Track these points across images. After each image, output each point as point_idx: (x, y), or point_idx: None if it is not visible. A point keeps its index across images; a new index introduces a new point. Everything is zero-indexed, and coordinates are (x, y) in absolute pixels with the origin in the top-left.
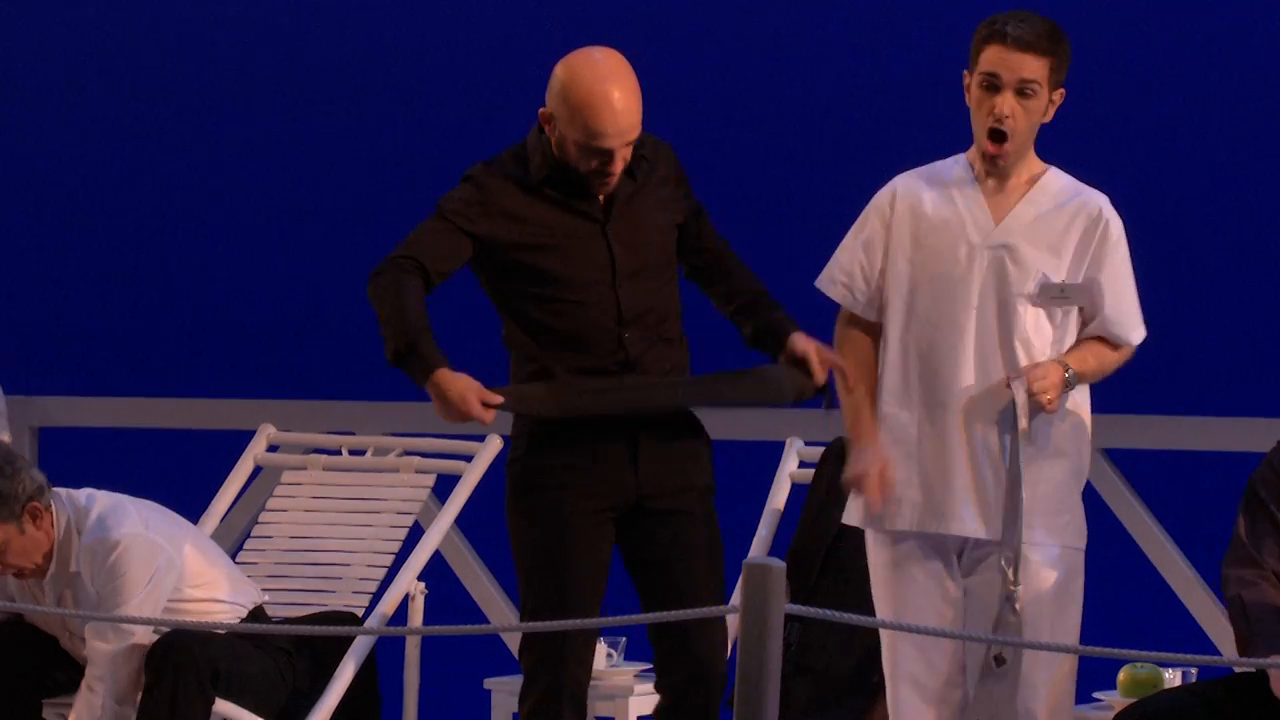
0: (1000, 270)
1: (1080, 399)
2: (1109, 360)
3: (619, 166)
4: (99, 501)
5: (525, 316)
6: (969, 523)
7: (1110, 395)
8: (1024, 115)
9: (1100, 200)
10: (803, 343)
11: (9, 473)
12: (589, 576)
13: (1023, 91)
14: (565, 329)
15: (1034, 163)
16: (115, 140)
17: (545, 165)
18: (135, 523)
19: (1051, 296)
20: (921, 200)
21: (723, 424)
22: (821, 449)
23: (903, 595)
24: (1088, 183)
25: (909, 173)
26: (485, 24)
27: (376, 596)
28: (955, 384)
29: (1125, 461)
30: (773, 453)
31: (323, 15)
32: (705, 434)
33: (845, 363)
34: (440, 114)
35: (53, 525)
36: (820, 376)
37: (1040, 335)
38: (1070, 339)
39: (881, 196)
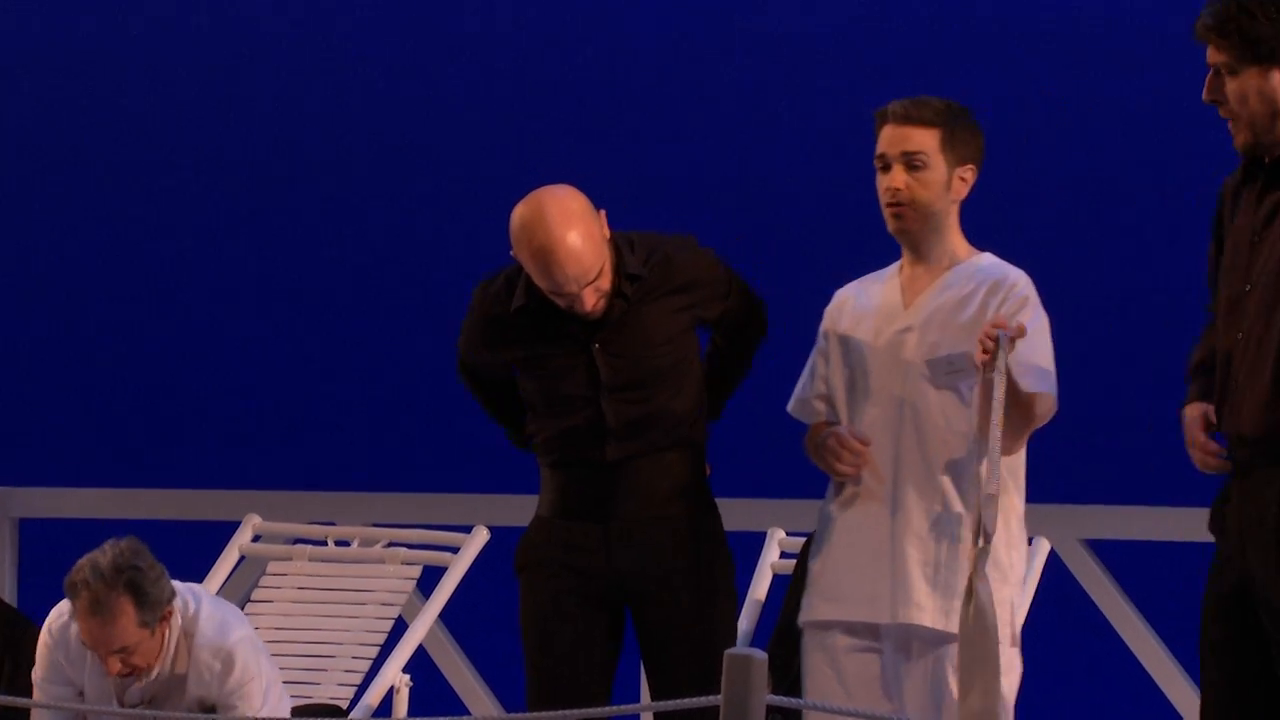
0: (902, 354)
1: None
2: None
3: (590, 299)
4: (203, 602)
5: (530, 415)
6: (905, 609)
7: (1092, 486)
8: (918, 187)
9: (1010, 271)
10: None
11: (154, 576)
12: (574, 662)
13: (911, 164)
14: (553, 435)
15: (958, 247)
16: (98, 228)
17: (525, 294)
18: (244, 625)
19: (944, 372)
20: (852, 300)
21: None
22: (803, 539)
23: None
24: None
25: (857, 279)
26: (473, 112)
27: (361, 688)
28: (879, 472)
29: (1106, 552)
30: (754, 543)
31: (312, 100)
32: (702, 519)
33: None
34: (431, 205)
35: (170, 627)
36: None
37: (946, 416)
38: (991, 415)
39: (828, 308)
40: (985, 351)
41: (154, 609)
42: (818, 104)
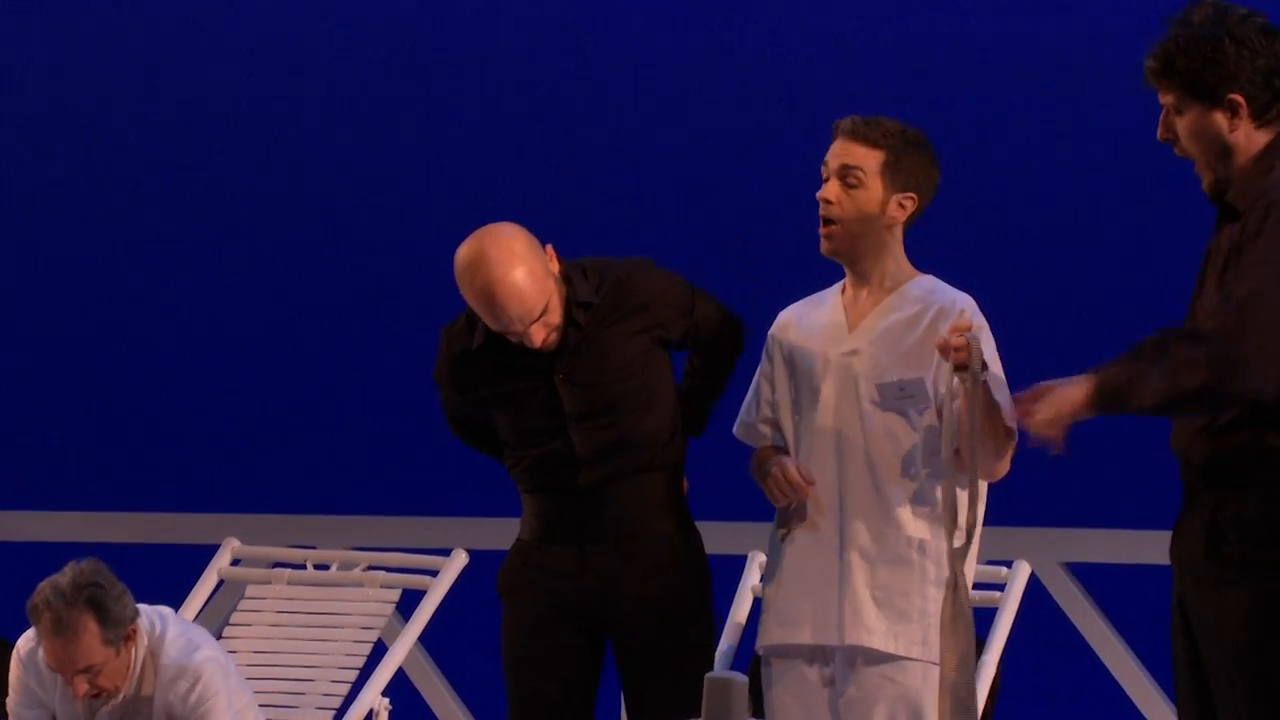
0: (849, 377)
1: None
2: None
3: (539, 335)
4: (170, 623)
5: (505, 448)
6: (855, 632)
7: (1071, 509)
8: (850, 202)
9: (956, 296)
10: None
11: (116, 594)
12: (554, 685)
13: (845, 179)
14: (527, 465)
15: (900, 270)
16: (72, 252)
17: (483, 333)
18: (211, 646)
19: (894, 397)
20: (795, 322)
21: None
22: None
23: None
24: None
25: (800, 301)
26: (456, 136)
27: (340, 712)
28: (824, 495)
29: (1087, 575)
30: (735, 566)
31: (288, 129)
32: (680, 541)
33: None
34: (411, 230)
35: (135, 647)
36: None
37: (894, 440)
38: (939, 442)
39: (771, 330)
40: (958, 350)
41: (117, 626)
42: (797, 128)
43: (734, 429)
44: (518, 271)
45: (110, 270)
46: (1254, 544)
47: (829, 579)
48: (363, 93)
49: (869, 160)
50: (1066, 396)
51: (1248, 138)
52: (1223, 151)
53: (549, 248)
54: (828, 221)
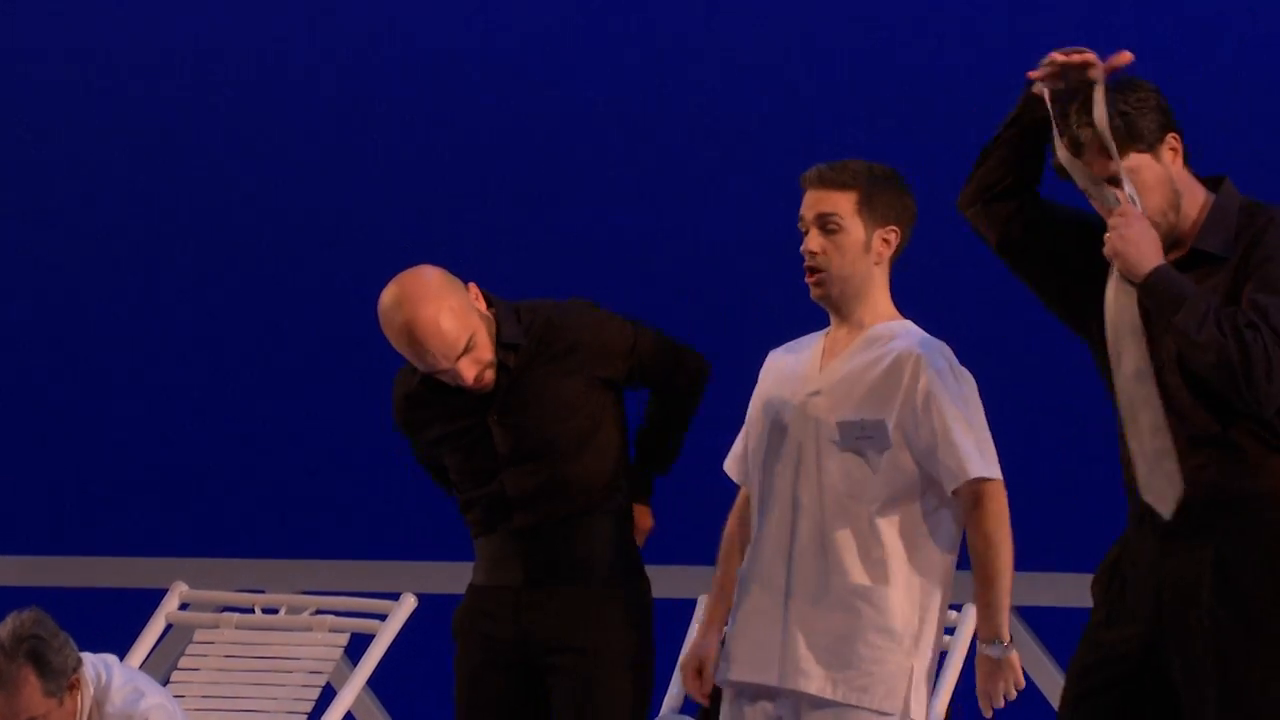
0: (810, 418)
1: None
2: (999, 552)
3: (469, 371)
4: (115, 671)
5: (455, 488)
6: (792, 675)
7: (1019, 551)
8: (834, 250)
9: (916, 343)
10: (642, 519)
11: (57, 645)
12: None
13: (825, 227)
14: (470, 506)
15: (880, 311)
16: (17, 293)
17: (423, 377)
18: (158, 693)
19: (854, 436)
20: (779, 362)
21: None
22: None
23: None
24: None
25: (791, 341)
26: (408, 178)
27: None
28: (778, 537)
29: (1035, 618)
30: (684, 610)
31: (242, 167)
32: (618, 586)
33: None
34: (362, 273)
35: (80, 696)
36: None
37: (850, 481)
38: (899, 485)
39: (761, 369)
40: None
41: (58, 678)
42: (758, 168)
43: (725, 463)
44: (435, 306)
45: (55, 314)
46: (1264, 584)
47: (774, 621)
48: (312, 134)
49: (843, 203)
50: (1145, 251)
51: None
52: (1169, 204)
53: (472, 286)
54: (814, 270)
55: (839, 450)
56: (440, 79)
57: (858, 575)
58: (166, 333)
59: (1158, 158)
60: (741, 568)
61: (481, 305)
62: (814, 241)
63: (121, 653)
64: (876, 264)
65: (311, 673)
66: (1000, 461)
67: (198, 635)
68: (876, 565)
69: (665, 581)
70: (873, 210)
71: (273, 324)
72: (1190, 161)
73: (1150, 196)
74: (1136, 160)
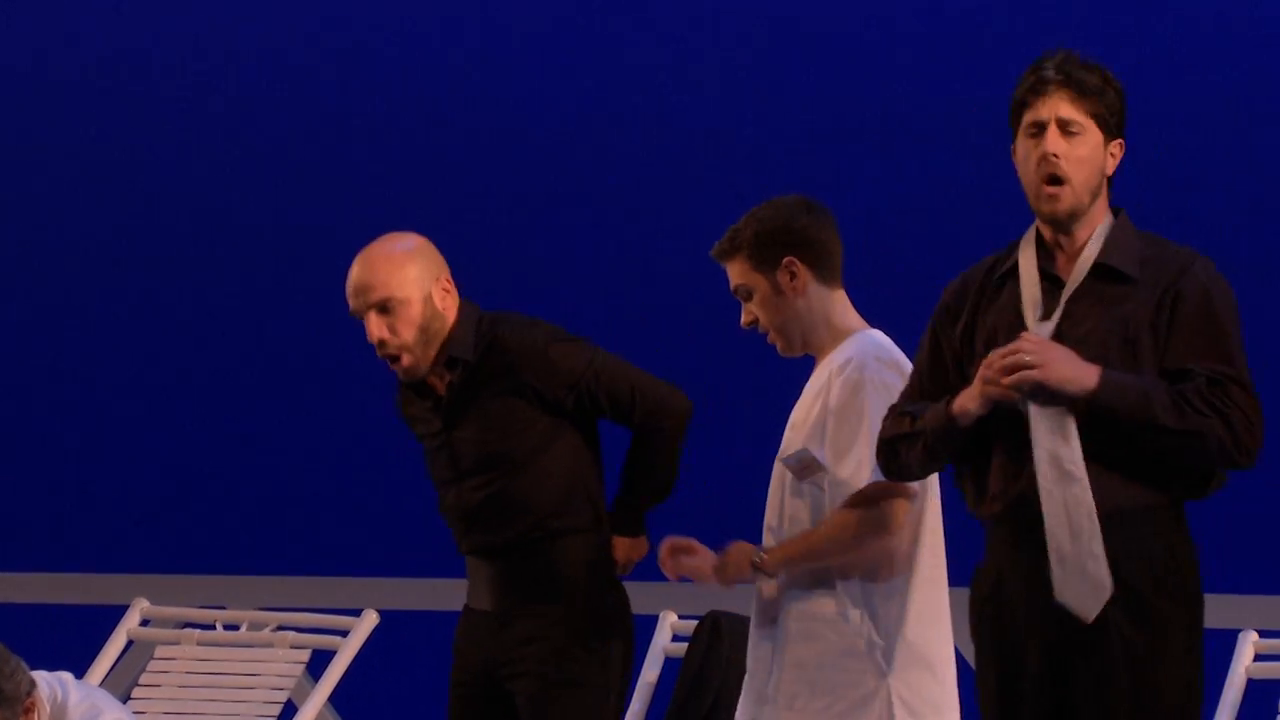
0: (782, 454)
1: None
2: (827, 531)
3: (376, 327)
4: (71, 690)
5: None
6: (773, 711)
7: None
8: (761, 312)
9: (851, 354)
10: (619, 550)
11: (8, 671)
12: None
13: (745, 296)
14: (443, 517)
15: (836, 332)
16: None
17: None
18: (116, 710)
19: (803, 466)
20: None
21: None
22: (695, 622)
23: None
24: None
25: None
26: (369, 194)
27: None
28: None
29: None
30: (646, 626)
31: (200, 183)
32: (579, 608)
33: None
34: (324, 290)
35: (38, 718)
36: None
37: (814, 511)
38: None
39: None
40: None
41: (12, 704)
42: (715, 192)
43: None
44: (387, 247)
45: (16, 330)
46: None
47: (761, 657)
48: (283, 146)
49: (740, 269)
50: (1079, 368)
51: (1107, 185)
52: (1095, 188)
53: (446, 280)
54: (766, 335)
55: (799, 483)
56: (394, 96)
57: (819, 604)
58: (128, 350)
59: (1105, 142)
60: None
61: (445, 302)
62: (745, 315)
63: (82, 669)
64: (799, 297)
65: (273, 689)
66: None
67: (159, 651)
68: (833, 588)
69: (631, 597)
70: (762, 259)
71: (234, 342)
72: (1119, 177)
73: (1084, 167)
74: (1090, 125)
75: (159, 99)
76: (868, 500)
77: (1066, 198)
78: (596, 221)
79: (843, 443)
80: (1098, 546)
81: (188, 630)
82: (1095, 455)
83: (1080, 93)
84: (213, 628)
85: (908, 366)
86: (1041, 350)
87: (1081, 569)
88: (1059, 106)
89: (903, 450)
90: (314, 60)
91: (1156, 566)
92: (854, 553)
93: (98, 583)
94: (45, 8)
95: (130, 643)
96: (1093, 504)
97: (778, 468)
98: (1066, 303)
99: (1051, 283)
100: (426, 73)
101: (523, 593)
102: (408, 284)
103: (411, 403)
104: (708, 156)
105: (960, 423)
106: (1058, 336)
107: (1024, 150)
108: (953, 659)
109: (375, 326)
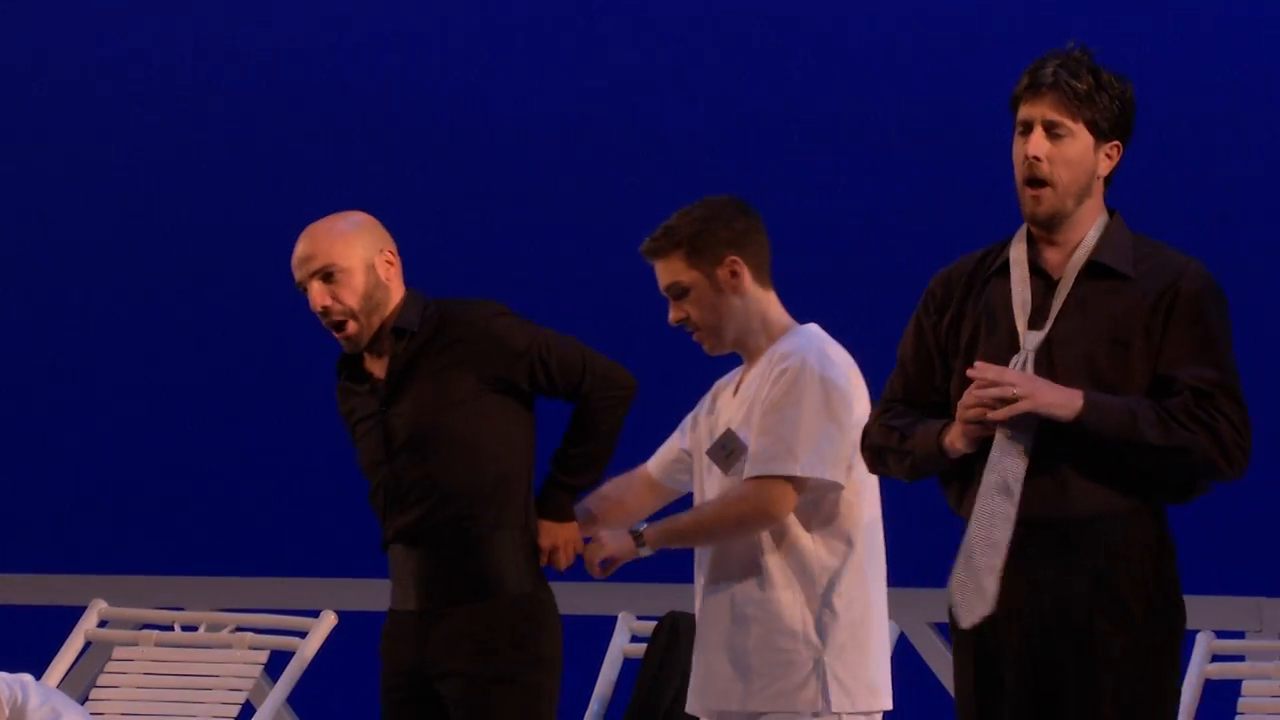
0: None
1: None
2: (721, 509)
3: (320, 295)
4: (31, 692)
5: None
6: (713, 697)
7: (940, 569)
8: (694, 309)
9: (791, 348)
10: (546, 536)
11: None
12: None
13: (676, 295)
14: (373, 509)
15: (771, 329)
16: None
17: (342, 362)
18: (76, 712)
19: (722, 457)
20: (715, 390)
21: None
22: (653, 623)
23: None
24: None
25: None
26: (329, 197)
27: None
28: (701, 561)
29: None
30: (604, 627)
31: (161, 186)
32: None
33: None
34: (281, 292)
35: None
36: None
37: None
38: None
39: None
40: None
41: None
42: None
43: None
44: (332, 221)
45: None
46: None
47: (700, 647)
48: (283, 149)
49: (675, 266)
50: (1063, 394)
51: (1100, 186)
52: (1082, 191)
53: (389, 253)
54: (693, 333)
55: (723, 474)
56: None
57: (746, 587)
58: (83, 354)
59: (1096, 148)
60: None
61: (388, 274)
62: (674, 311)
63: (40, 670)
64: (737, 295)
65: (231, 690)
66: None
67: (117, 653)
68: (759, 572)
69: (582, 598)
70: (703, 256)
71: (190, 346)
72: (1114, 181)
73: (1069, 169)
74: (1078, 129)
75: (159, 100)
76: (759, 486)
77: (1047, 199)
78: (572, 223)
79: (767, 425)
80: (1000, 564)
81: (146, 631)
82: (1077, 462)
83: (1069, 97)
84: (171, 629)
85: (846, 361)
86: (1025, 382)
87: (978, 579)
88: (1047, 109)
89: (891, 462)
90: (307, 63)
91: (1135, 569)
92: (737, 536)
93: (55, 584)
94: (32, 12)
95: (88, 644)
96: (1013, 522)
97: (702, 462)
98: (1057, 304)
99: (1043, 280)
100: (417, 75)
101: (449, 589)
102: (350, 253)
103: (350, 394)
104: (676, 156)
105: (949, 456)
106: (1048, 338)
107: (1015, 148)
108: (887, 644)
109: (318, 294)
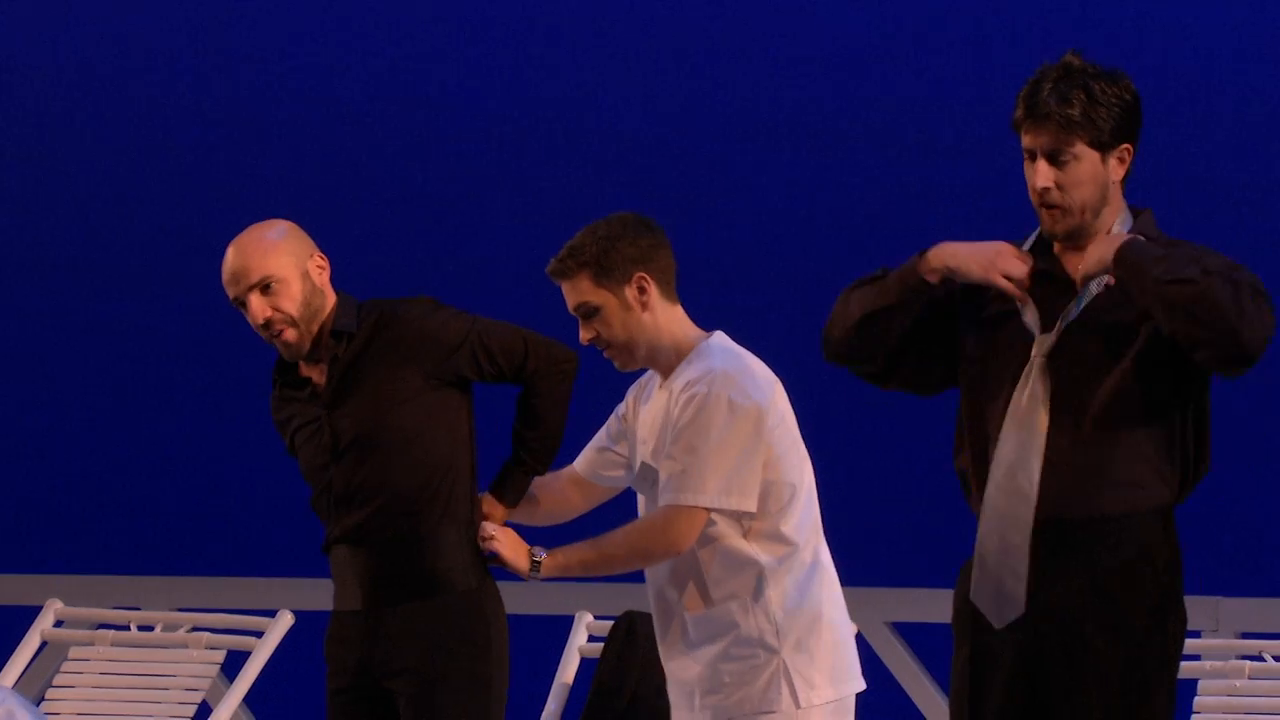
0: (637, 465)
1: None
2: (625, 540)
3: (260, 309)
4: None
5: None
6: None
7: (897, 568)
8: (604, 328)
9: (698, 372)
10: (486, 506)
11: None
12: None
13: (584, 315)
14: (317, 513)
15: (681, 345)
16: None
17: (278, 367)
18: (30, 713)
19: (649, 484)
20: (641, 394)
21: (511, 598)
22: (610, 623)
23: None
24: None
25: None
26: (296, 203)
27: None
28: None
29: (912, 634)
30: (562, 626)
31: (131, 190)
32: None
33: None
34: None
35: None
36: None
37: None
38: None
39: (630, 389)
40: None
41: None
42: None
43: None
44: (260, 232)
45: None
46: (1140, 595)
47: (671, 671)
48: (220, 150)
49: (582, 286)
50: (1101, 249)
51: (1117, 190)
52: (1098, 203)
53: (320, 257)
54: (605, 351)
55: (643, 495)
56: (336, 108)
57: (692, 607)
58: (37, 353)
59: (1104, 159)
60: None
61: (321, 279)
62: (584, 331)
63: None
64: (646, 312)
65: (188, 690)
66: (873, 475)
67: (73, 653)
68: (699, 590)
69: (542, 597)
70: (610, 275)
71: (143, 344)
72: (1131, 180)
73: (1080, 190)
74: (1081, 150)
75: (128, 100)
76: (666, 516)
77: (1064, 220)
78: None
79: (674, 454)
80: (1021, 567)
81: (102, 631)
82: (1078, 460)
83: (1064, 125)
84: (127, 628)
85: (757, 369)
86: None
87: (999, 582)
88: (1047, 139)
89: (854, 299)
90: (274, 67)
91: (1130, 572)
92: (642, 566)
93: (11, 583)
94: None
95: (44, 644)
96: (1031, 524)
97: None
98: (1074, 308)
99: (1060, 286)
100: (383, 79)
101: (395, 588)
102: (285, 262)
103: (287, 401)
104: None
105: (930, 265)
106: (1059, 343)
107: (1026, 171)
108: (849, 629)
109: (259, 307)
